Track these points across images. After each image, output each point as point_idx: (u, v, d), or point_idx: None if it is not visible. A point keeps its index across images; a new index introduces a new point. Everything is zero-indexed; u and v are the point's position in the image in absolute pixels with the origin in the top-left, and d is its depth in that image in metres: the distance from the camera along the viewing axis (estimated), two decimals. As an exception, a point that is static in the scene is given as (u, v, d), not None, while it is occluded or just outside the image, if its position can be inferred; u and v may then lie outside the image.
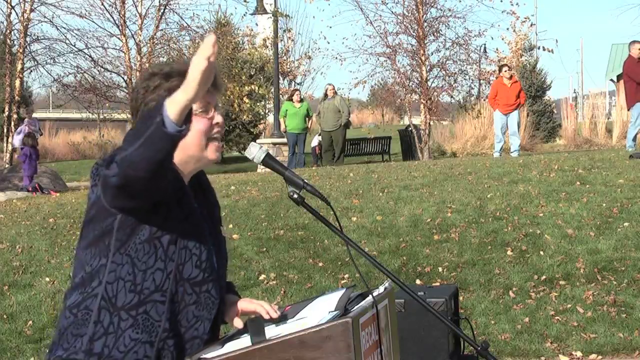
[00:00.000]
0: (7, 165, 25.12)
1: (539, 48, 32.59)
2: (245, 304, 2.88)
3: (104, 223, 2.63)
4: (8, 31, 27.25)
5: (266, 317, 2.78)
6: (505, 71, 18.81)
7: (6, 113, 26.60)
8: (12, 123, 26.22)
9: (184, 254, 2.65)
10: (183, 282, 2.65)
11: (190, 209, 2.70)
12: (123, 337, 2.59)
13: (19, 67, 26.45)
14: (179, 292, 2.65)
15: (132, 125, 2.73)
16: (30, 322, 7.81)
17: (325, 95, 21.75)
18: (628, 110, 16.97)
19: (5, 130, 26.69)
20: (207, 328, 2.70)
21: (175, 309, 2.64)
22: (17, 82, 26.65)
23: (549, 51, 28.10)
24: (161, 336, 2.62)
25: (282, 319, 2.78)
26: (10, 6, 26.49)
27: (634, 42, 16.49)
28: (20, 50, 26.42)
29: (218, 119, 2.73)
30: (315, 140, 27.39)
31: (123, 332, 2.59)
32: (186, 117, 2.39)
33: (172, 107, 2.35)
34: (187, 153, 2.67)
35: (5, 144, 26.62)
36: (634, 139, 16.52)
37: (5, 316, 7.93)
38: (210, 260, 2.71)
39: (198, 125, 2.64)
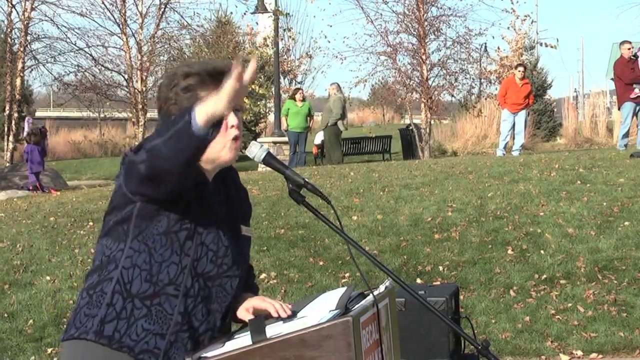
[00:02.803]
0: (7, 164, 25.12)
1: (540, 44, 32.55)
2: (257, 302, 2.88)
3: (124, 210, 2.68)
4: (9, 30, 27.24)
5: (275, 315, 2.78)
6: (520, 71, 18.80)
7: (7, 112, 26.57)
8: (13, 122, 26.21)
9: (200, 249, 2.70)
10: (198, 277, 2.70)
11: (209, 205, 2.75)
12: (136, 325, 2.64)
13: (20, 65, 26.44)
14: (195, 287, 2.69)
15: (159, 124, 2.80)
16: (31, 321, 7.81)
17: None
18: (619, 109, 17.15)
19: (5, 129, 26.67)
20: (219, 320, 2.76)
21: (189, 304, 2.68)
22: (18, 81, 26.63)
23: (551, 47, 28.08)
24: (173, 329, 2.65)
25: (283, 317, 2.78)
26: (11, 5, 26.47)
27: (624, 42, 16.60)
28: (21, 49, 26.40)
29: (232, 120, 2.77)
30: (317, 138, 27.36)
31: (136, 320, 2.64)
32: (216, 123, 2.46)
33: (200, 113, 2.43)
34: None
35: (5, 143, 26.59)
36: (625, 136, 16.66)
37: (6, 315, 7.93)
38: (227, 256, 2.76)
39: None
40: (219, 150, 2.75)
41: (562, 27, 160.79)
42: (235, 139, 2.79)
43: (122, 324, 2.64)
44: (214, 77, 2.73)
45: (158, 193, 2.59)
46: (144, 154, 2.49)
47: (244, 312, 2.86)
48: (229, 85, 2.41)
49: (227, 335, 2.81)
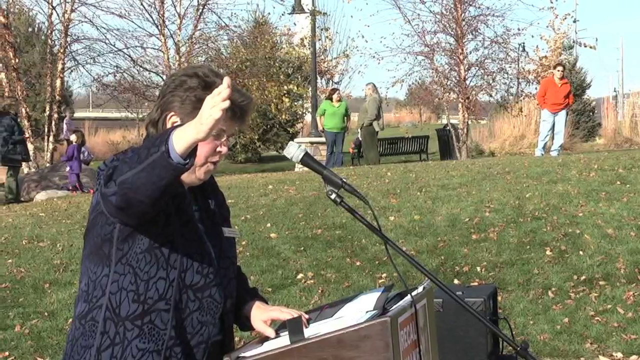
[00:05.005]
0: (47, 164, 25.37)
1: (580, 45, 32.29)
2: (276, 314, 2.85)
3: (102, 231, 2.64)
4: (49, 31, 27.51)
5: (285, 318, 2.76)
6: (559, 70, 18.65)
7: (47, 113, 26.83)
8: (53, 122, 26.47)
9: (185, 261, 2.65)
10: (186, 289, 2.65)
11: (189, 215, 2.69)
12: (130, 347, 2.60)
13: (60, 67, 26.66)
14: (183, 299, 2.65)
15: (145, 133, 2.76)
16: (71, 319, 7.88)
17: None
18: None
19: (46, 130, 26.94)
20: (212, 332, 2.71)
21: (180, 316, 2.65)
22: (58, 82, 26.87)
23: (590, 47, 27.84)
24: (168, 344, 2.62)
25: (320, 318, 2.78)
26: (51, 7, 26.71)
27: None
28: (61, 50, 26.64)
29: (223, 149, 2.70)
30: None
31: (130, 342, 2.61)
32: (193, 151, 2.37)
33: (180, 141, 2.33)
34: None
35: (46, 143, 26.86)
36: None
37: (46, 314, 8.02)
38: (212, 264, 2.71)
39: (204, 146, 2.60)
40: (197, 167, 2.67)
41: (601, 26, 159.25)
42: (213, 163, 2.72)
43: (118, 350, 2.61)
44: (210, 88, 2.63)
45: (133, 219, 2.53)
46: (114, 186, 2.43)
47: (261, 324, 2.84)
48: (214, 111, 2.29)
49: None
